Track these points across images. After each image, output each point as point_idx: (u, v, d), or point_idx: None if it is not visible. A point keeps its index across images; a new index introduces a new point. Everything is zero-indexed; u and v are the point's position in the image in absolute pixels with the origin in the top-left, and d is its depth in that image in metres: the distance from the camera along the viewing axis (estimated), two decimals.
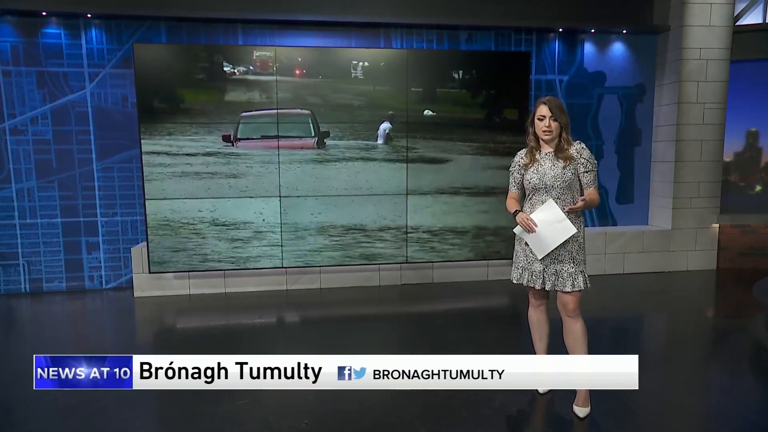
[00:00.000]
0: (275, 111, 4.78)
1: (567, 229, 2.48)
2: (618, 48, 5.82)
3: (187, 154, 4.72)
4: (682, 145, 5.67)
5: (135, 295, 4.99)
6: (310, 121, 4.84)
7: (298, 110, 4.81)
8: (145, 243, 4.93)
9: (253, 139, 4.78)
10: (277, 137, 4.81)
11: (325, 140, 4.87)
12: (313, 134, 4.86)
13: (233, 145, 4.74)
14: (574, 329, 2.59)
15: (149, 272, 4.85)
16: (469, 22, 5.32)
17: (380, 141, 4.96)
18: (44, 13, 4.81)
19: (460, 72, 5.00)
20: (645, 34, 5.80)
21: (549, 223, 2.51)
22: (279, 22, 5.14)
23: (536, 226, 2.52)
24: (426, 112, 4.96)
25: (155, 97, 4.63)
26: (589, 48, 5.77)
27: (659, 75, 5.88)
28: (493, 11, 5.30)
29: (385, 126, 4.92)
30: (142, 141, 4.65)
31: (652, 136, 6.02)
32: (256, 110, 4.76)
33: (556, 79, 5.73)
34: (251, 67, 4.71)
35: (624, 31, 5.71)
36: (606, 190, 5.99)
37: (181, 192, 4.76)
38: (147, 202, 4.72)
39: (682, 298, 4.98)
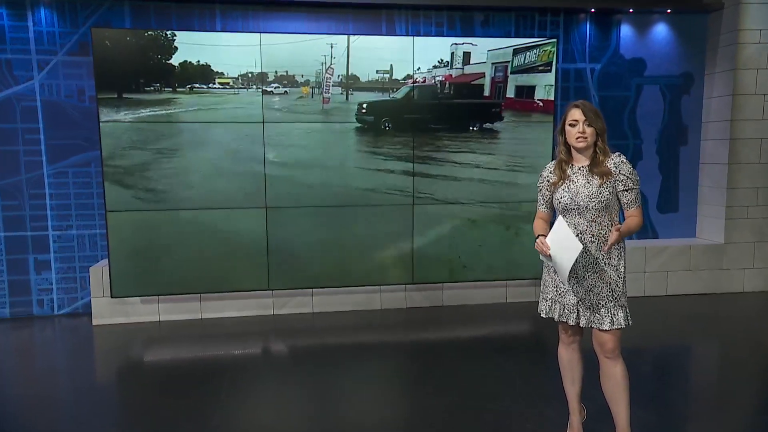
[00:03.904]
0: None
1: (574, 246, 2.45)
2: (661, 30, 5.87)
3: (156, 156, 4.76)
4: (737, 145, 5.72)
5: (94, 323, 5.01)
6: None
7: None
8: (107, 261, 4.96)
9: None
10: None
11: None
12: None
13: None
14: (614, 373, 2.62)
15: (111, 296, 4.87)
16: (485, 3, 5.36)
17: None
18: None
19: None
20: (693, 13, 5.84)
21: (559, 243, 2.53)
22: (264, 3, 5.18)
23: (549, 249, 2.54)
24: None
25: (118, 90, 4.65)
26: (626, 31, 5.81)
27: (710, 62, 5.93)
28: None
29: None
30: (103, 141, 4.67)
31: (701, 134, 6.07)
32: None
33: (587, 67, 5.78)
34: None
35: (668, 11, 5.75)
36: (646, 197, 6.03)
37: (149, 201, 4.79)
38: (108, 214, 4.75)
39: (738, 325, 5.01)
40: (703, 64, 5.98)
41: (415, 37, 5.03)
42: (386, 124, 5.05)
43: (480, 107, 5.19)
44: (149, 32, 4.70)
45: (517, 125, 5.22)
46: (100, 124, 4.65)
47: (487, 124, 5.19)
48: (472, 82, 5.14)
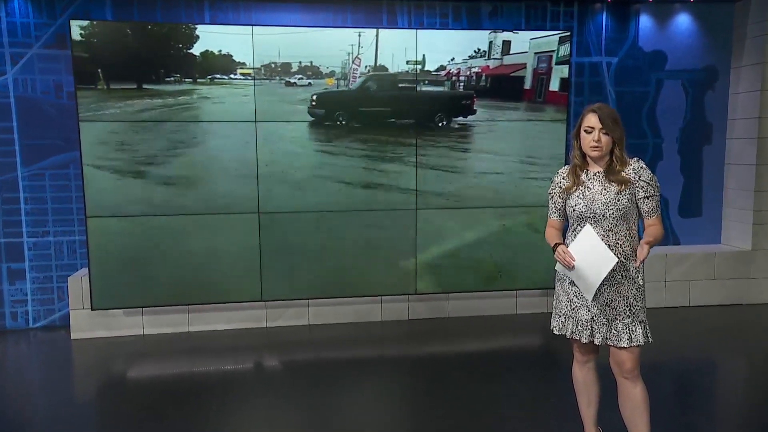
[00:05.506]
0: None
1: (607, 258, 2.49)
2: (683, 21, 5.88)
3: (140, 157, 4.77)
4: (766, 144, 5.71)
5: (72, 337, 5.02)
6: None
7: None
8: (86, 270, 4.97)
9: None
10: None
11: None
12: None
13: None
14: (633, 394, 2.63)
15: (91, 308, 4.89)
16: None
17: None
18: None
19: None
20: (718, 2, 5.85)
21: (586, 254, 2.54)
22: None
23: (574, 260, 2.56)
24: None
25: (98, 85, 4.67)
26: (645, 22, 5.82)
27: (736, 55, 5.93)
28: None
29: None
30: (82, 140, 4.68)
31: (727, 132, 6.08)
32: None
33: (603, 61, 5.79)
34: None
35: (691, 0, 5.76)
36: (666, 201, 6.04)
37: (133, 206, 4.80)
38: (89, 220, 4.76)
39: (766, 338, 5.01)
40: (728, 57, 5.98)
41: (419, 30, 5.05)
42: (340, 119, 5.03)
43: (448, 99, 5.12)
44: (130, 23, 4.75)
45: (523, 122, 5.24)
46: (80, 122, 4.67)
47: (459, 118, 5.14)
48: (511, 74, 5.09)
